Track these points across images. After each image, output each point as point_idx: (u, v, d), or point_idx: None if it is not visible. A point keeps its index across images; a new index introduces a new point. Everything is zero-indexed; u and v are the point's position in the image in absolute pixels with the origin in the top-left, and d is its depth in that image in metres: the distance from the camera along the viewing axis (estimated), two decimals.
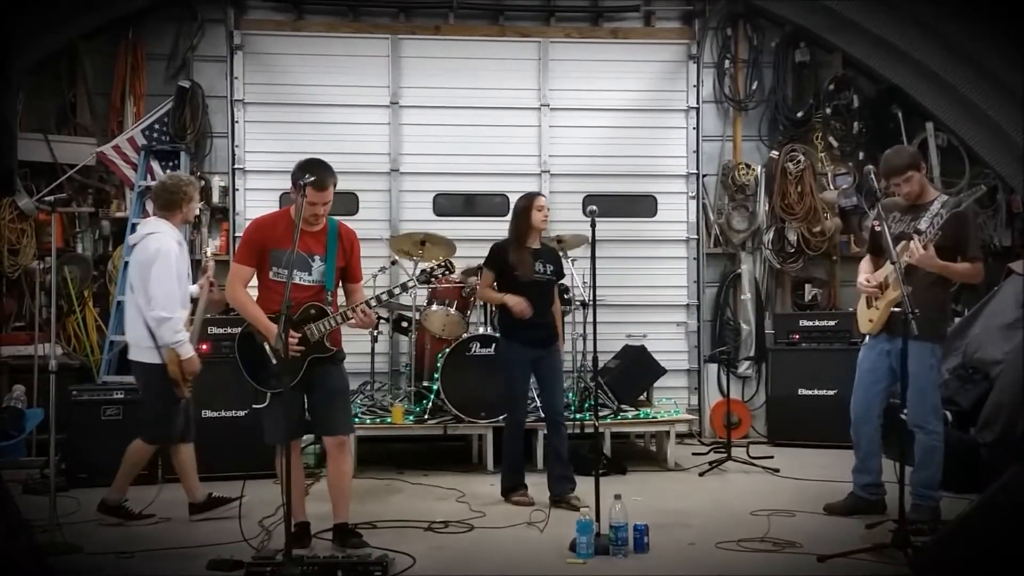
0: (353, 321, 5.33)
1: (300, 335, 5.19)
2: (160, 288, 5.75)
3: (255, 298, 5.38)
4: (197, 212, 6.43)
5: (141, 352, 5.89)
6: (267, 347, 5.27)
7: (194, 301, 6.15)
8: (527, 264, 6.47)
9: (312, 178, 5.11)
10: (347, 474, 5.47)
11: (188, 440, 6.07)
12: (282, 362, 4.96)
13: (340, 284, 5.52)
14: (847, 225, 9.60)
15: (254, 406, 5.33)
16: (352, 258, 5.51)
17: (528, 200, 6.58)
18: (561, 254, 7.96)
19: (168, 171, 8.75)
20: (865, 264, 6.17)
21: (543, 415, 6.90)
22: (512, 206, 6.80)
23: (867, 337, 6.07)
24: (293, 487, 4.94)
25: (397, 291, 5.67)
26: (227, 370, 7.30)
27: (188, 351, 5.84)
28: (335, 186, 5.36)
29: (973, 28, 8.44)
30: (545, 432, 7.58)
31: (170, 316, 5.73)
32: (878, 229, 5.67)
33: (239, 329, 7.36)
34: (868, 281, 5.93)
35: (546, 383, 6.64)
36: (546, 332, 6.56)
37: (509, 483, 6.62)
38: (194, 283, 6.19)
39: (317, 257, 5.35)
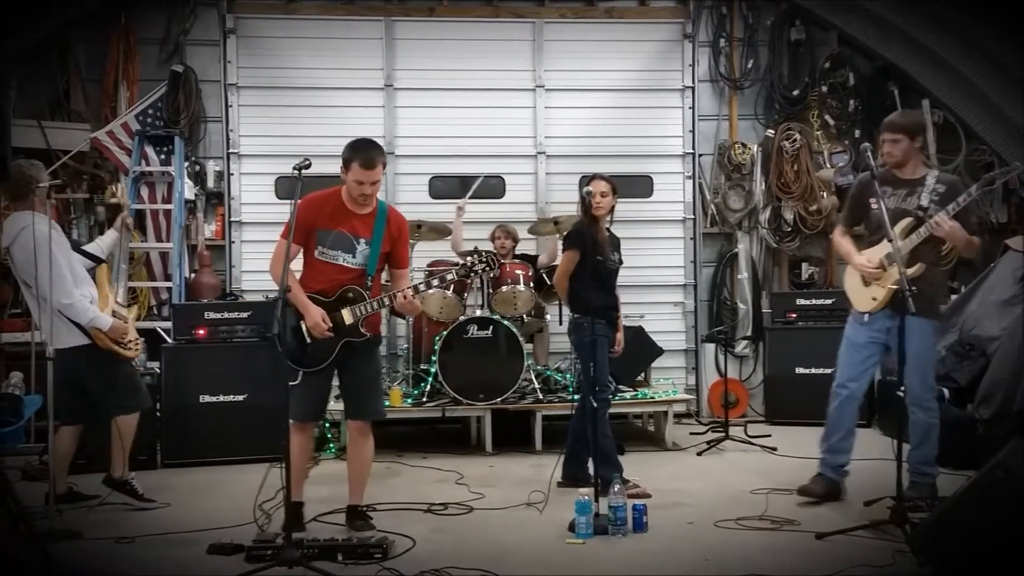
0: (396, 306, 5.35)
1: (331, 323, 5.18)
2: (53, 279, 5.60)
3: (300, 275, 5.31)
4: (47, 190, 5.98)
5: (63, 339, 5.73)
6: (303, 326, 5.21)
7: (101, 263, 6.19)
8: (607, 247, 6.27)
9: (353, 156, 5.13)
10: (366, 459, 5.41)
11: (77, 424, 5.98)
12: (308, 342, 5.06)
13: (385, 269, 5.48)
14: (843, 203, 9.59)
15: (290, 383, 5.14)
16: (399, 243, 5.41)
17: (583, 184, 6.32)
18: (559, 236, 8.00)
19: (160, 157, 8.79)
20: (846, 240, 6.01)
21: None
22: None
23: (866, 316, 5.87)
24: (293, 468, 4.93)
25: (436, 282, 5.57)
26: (226, 354, 7.40)
27: (105, 322, 5.74)
28: (384, 165, 5.28)
29: (966, 5, 8.41)
30: (544, 414, 7.66)
31: (70, 301, 5.63)
32: (875, 207, 5.63)
33: (237, 314, 7.44)
34: (870, 261, 5.78)
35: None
36: (613, 314, 6.38)
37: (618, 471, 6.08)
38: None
39: (363, 240, 5.27)
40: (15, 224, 5.78)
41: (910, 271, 5.51)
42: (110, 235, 6.37)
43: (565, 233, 6.39)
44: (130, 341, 5.95)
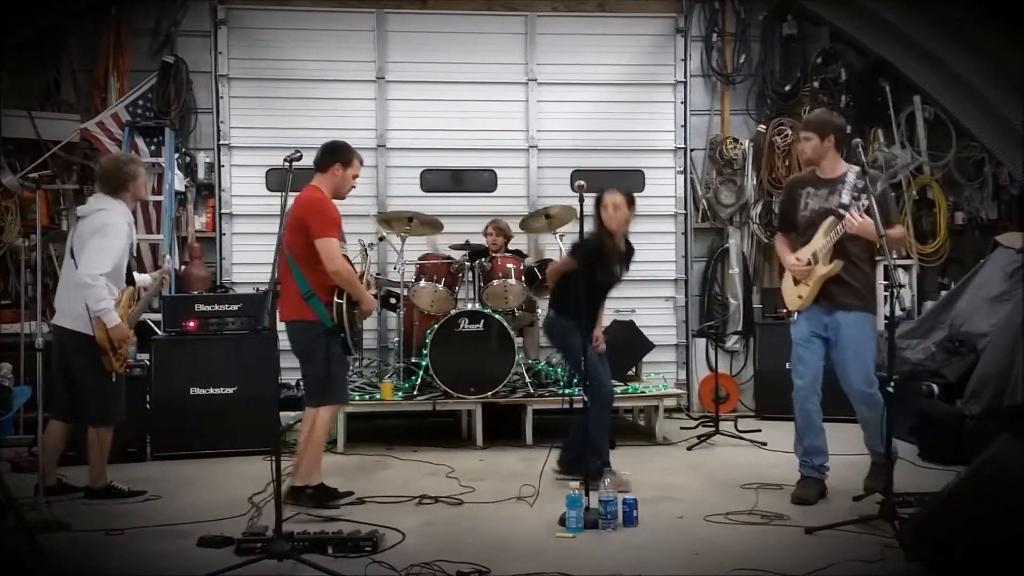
0: None
1: None
2: (94, 257, 5.64)
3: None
4: (146, 192, 6.31)
5: (70, 320, 5.77)
6: (355, 313, 5.74)
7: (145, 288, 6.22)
8: (612, 262, 6.26)
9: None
10: None
11: (66, 422, 5.99)
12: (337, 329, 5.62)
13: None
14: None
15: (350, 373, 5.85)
16: None
17: (597, 199, 6.32)
18: (556, 233, 8.00)
19: (150, 148, 8.72)
20: (782, 243, 6.11)
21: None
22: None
23: (796, 314, 5.99)
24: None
25: None
26: (216, 347, 7.39)
27: (113, 319, 5.70)
28: None
29: (957, 1, 8.42)
30: (535, 408, 7.67)
31: (94, 283, 5.61)
32: (866, 203, 5.64)
33: (227, 306, 7.46)
34: (799, 259, 5.87)
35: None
36: (592, 321, 6.40)
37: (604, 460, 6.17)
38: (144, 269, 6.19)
39: None
40: (102, 203, 5.88)
41: (828, 268, 5.66)
42: (148, 277, 6.35)
43: (573, 242, 6.32)
44: (121, 354, 5.89)
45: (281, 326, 6.14)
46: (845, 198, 5.67)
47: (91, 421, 5.92)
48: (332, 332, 5.60)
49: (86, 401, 5.88)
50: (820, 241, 5.71)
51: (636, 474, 6.36)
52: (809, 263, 5.80)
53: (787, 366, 8.42)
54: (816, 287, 5.77)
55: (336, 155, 5.77)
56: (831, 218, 5.67)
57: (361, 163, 5.95)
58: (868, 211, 5.44)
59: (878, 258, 5.53)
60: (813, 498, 5.84)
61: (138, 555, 4.87)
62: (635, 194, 9.07)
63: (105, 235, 5.71)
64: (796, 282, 5.93)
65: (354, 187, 5.91)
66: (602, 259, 6.15)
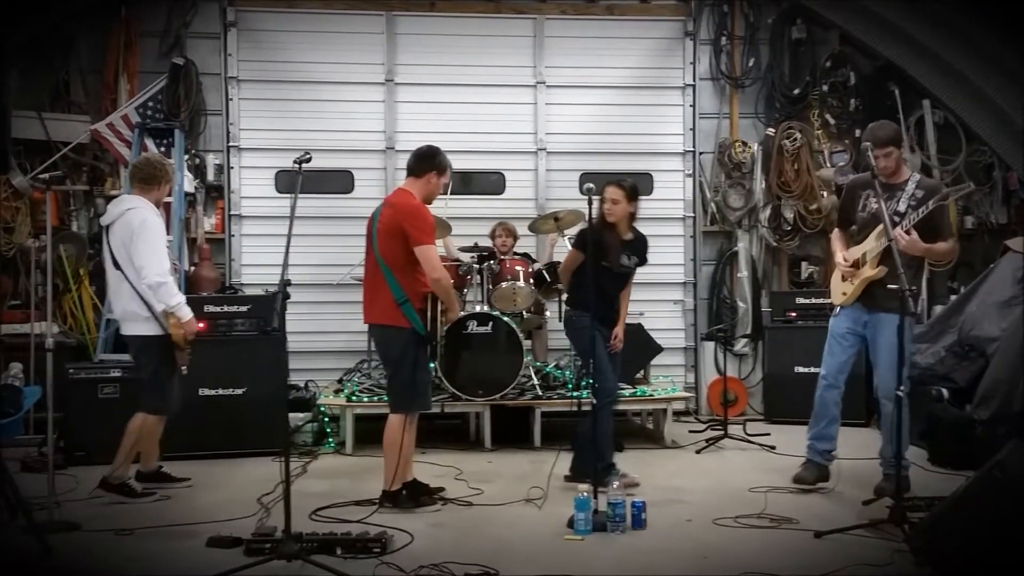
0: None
1: None
2: (149, 257, 5.76)
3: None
4: (168, 198, 6.48)
5: (138, 326, 5.89)
6: (440, 319, 5.74)
7: None
8: (614, 252, 6.25)
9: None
10: None
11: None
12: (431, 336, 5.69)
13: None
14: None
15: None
16: None
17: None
18: (564, 236, 7.97)
19: (160, 150, 8.72)
20: (837, 240, 6.24)
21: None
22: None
23: (838, 308, 6.15)
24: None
25: None
26: (225, 348, 7.40)
27: (187, 312, 5.86)
28: None
29: (968, 5, 8.41)
30: (543, 410, 7.66)
31: (164, 280, 5.75)
32: (875, 205, 5.69)
33: (237, 308, 7.43)
34: (846, 259, 6.02)
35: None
36: (611, 314, 6.36)
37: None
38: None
39: None
40: (126, 203, 5.97)
41: (872, 272, 5.79)
42: None
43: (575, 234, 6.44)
44: (188, 347, 5.98)
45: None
46: (901, 206, 5.79)
47: (145, 407, 6.00)
48: (423, 340, 5.65)
49: (145, 390, 6.00)
50: (871, 244, 5.83)
51: (644, 477, 6.37)
52: (857, 263, 5.94)
53: (796, 370, 8.67)
54: (859, 288, 5.93)
55: (433, 163, 5.82)
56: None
57: (451, 170, 6.01)
58: (920, 224, 5.60)
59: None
60: (811, 480, 6.08)
61: (147, 555, 4.88)
62: (644, 197, 9.06)
63: (147, 235, 5.81)
64: (843, 278, 6.08)
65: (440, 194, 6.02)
66: (600, 247, 6.11)
